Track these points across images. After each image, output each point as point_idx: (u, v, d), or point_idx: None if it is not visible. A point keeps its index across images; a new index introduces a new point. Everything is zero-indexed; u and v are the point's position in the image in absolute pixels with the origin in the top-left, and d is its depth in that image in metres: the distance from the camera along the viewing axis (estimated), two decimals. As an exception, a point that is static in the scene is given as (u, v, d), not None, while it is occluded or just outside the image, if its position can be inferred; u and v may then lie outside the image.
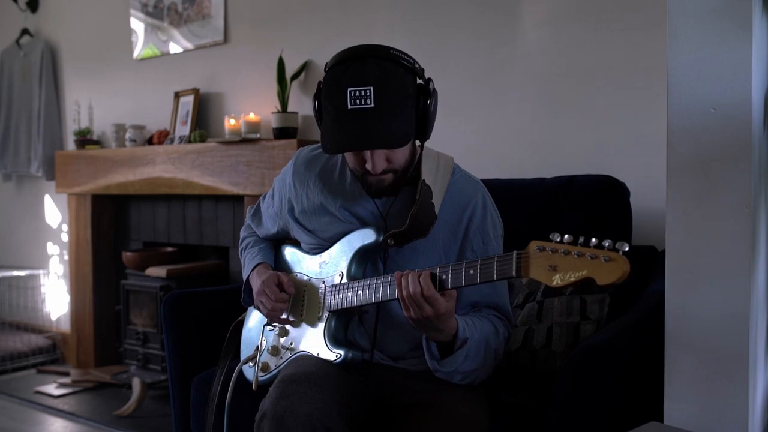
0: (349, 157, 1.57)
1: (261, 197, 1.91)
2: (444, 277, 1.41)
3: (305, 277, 1.71)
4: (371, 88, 1.44)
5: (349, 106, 1.44)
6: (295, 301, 1.70)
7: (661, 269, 1.42)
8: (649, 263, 1.93)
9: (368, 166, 1.51)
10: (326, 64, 1.53)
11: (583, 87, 2.40)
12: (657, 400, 1.41)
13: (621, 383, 1.44)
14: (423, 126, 1.53)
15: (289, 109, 3.11)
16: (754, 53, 1.28)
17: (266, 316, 1.69)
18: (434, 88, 1.53)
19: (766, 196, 1.38)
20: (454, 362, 1.48)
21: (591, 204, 2.01)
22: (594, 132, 2.38)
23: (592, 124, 2.38)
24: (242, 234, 1.95)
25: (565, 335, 1.78)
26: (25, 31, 4.44)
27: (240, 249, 1.92)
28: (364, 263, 1.63)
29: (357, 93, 1.44)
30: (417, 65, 1.53)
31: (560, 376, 1.46)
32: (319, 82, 1.54)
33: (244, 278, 1.80)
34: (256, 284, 1.71)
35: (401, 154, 1.55)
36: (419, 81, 1.53)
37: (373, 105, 1.44)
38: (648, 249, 2.02)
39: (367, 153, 1.50)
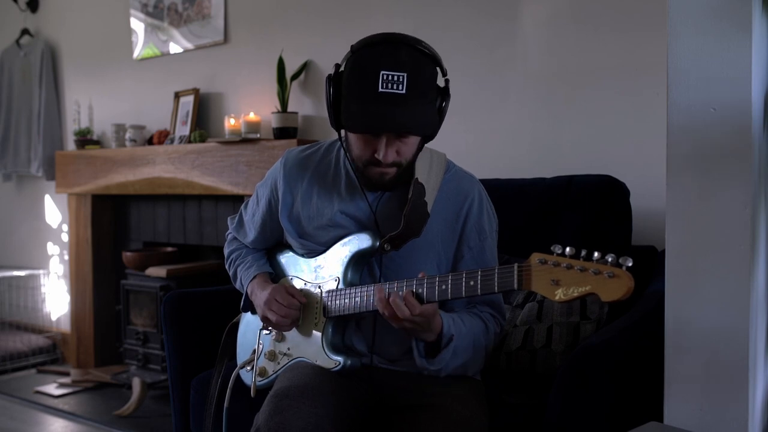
0: (358, 143, 1.52)
1: (242, 206, 1.85)
2: (421, 291, 1.42)
3: (300, 282, 1.68)
4: (405, 74, 1.42)
5: (380, 89, 1.41)
6: None
7: (661, 269, 1.42)
8: (649, 263, 1.93)
9: (379, 155, 1.48)
10: (351, 46, 1.50)
11: (583, 87, 2.40)
12: (657, 400, 1.41)
13: (620, 383, 1.44)
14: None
15: (289, 109, 3.10)
16: (754, 53, 1.28)
17: (275, 322, 1.62)
18: (449, 90, 1.53)
19: (766, 196, 1.38)
20: (442, 360, 1.50)
21: (591, 204, 2.01)
22: (594, 132, 2.37)
23: (592, 123, 2.38)
24: (227, 249, 1.86)
25: (565, 335, 1.78)
26: (25, 31, 4.44)
27: (228, 263, 1.83)
28: (360, 268, 1.60)
29: (390, 77, 1.41)
30: (443, 64, 1.52)
31: (560, 376, 1.46)
32: (337, 65, 1.52)
33: (244, 285, 1.74)
34: (261, 295, 1.65)
35: (411, 148, 1.53)
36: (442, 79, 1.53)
37: (404, 91, 1.42)
38: (648, 249, 2.02)
39: (382, 141, 1.47)
